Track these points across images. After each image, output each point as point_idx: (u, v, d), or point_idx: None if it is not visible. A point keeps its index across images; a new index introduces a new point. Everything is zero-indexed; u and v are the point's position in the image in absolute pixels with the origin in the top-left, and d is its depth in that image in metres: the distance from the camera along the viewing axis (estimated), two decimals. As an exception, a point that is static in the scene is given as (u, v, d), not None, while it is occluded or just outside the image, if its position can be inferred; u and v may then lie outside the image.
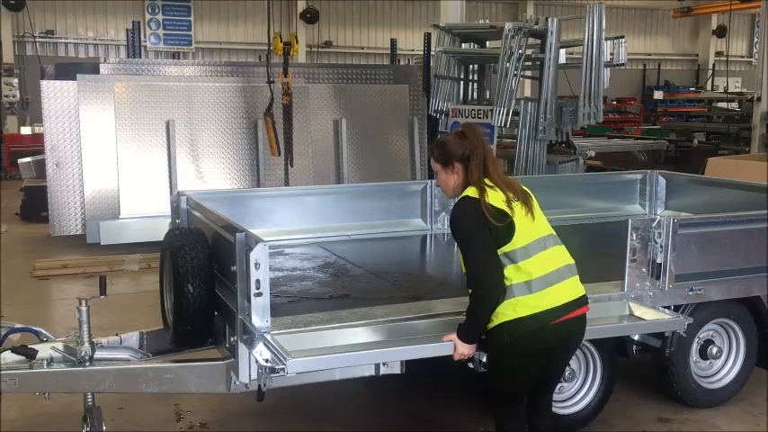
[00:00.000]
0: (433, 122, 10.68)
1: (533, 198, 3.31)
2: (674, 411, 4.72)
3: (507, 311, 3.13)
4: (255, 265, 3.35)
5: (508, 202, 3.16)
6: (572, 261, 3.31)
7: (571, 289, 3.23)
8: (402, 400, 4.86)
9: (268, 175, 9.92)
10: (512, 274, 3.13)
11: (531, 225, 3.19)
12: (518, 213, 3.16)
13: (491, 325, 3.18)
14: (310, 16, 21.05)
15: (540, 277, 3.15)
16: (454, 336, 3.25)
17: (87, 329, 3.84)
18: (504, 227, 3.11)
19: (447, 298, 3.98)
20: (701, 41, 27.39)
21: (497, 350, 3.22)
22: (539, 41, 8.91)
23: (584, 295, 3.29)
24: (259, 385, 3.48)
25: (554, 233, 3.31)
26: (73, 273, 8.33)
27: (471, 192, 3.19)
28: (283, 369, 3.11)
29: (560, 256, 3.27)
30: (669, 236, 4.17)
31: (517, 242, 3.13)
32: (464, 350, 3.23)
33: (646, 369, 4.84)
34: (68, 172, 9.43)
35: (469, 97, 10.45)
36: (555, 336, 3.18)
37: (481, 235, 3.11)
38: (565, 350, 3.37)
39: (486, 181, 3.19)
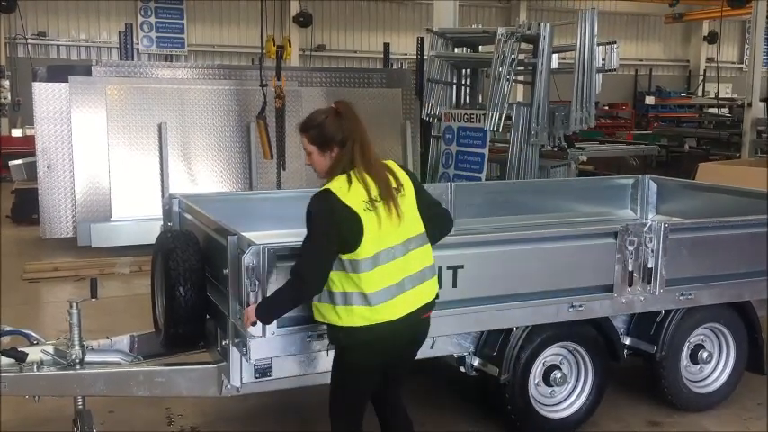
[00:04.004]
0: (426, 126, 10.68)
1: (411, 187, 3.16)
2: (665, 415, 4.74)
3: (343, 315, 3.03)
4: (247, 268, 3.35)
5: (371, 201, 3.01)
6: (432, 261, 3.19)
7: (417, 297, 3.11)
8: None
9: (260, 179, 9.90)
10: (351, 284, 3.00)
11: (389, 229, 3.03)
12: (379, 215, 3.00)
13: (330, 321, 3.08)
14: (303, 20, 21.03)
15: (380, 290, 3.00)
16: (254, 306, 3.18)
17: (78, 332, 3.84)
18: (352, 233, 2.97)
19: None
20: (692, 47, 27.52)
21: (338, 352, 3.18)
22: (531, 46, 8.94)
23: (433, 300, 3.20)
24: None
25: (421, 232, 3.15)
26: (64, 275, 8.30)
27: (336, 184, 3.05)
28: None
29: (417, 261, 3.11)
30: (660, 240, 4.19)
31: (362, 252, 2.97)
32: (252, 321, 3.17)
33: (637, 373, 4.87)
34: (60, 174, 9.40)
35: (462, 101, 10.45)
36: (394, 340, 3.10)
37: (326, 235, 2.98)
38: (406, 350, 3.29)
39: (356, 171, 3.05)
